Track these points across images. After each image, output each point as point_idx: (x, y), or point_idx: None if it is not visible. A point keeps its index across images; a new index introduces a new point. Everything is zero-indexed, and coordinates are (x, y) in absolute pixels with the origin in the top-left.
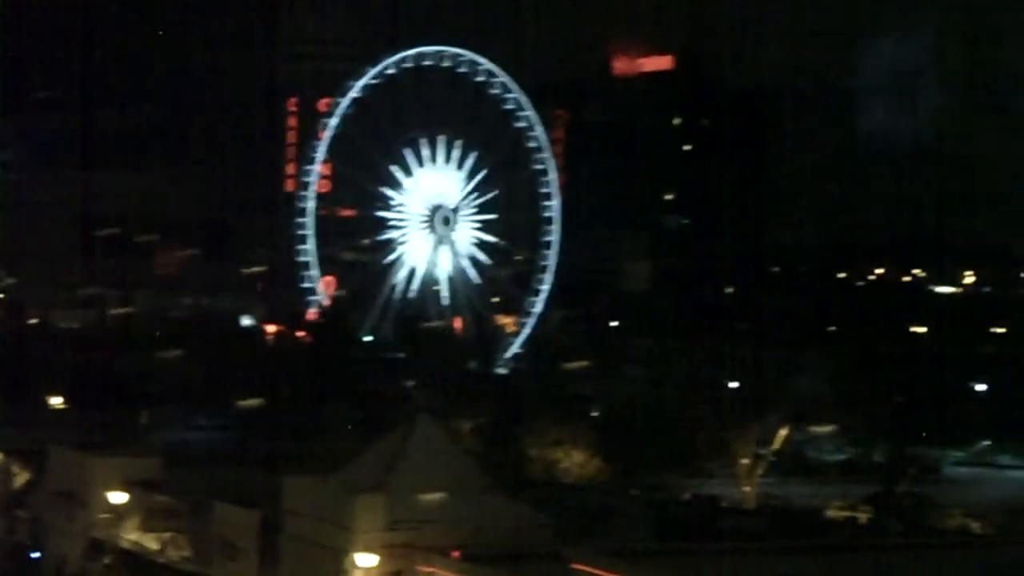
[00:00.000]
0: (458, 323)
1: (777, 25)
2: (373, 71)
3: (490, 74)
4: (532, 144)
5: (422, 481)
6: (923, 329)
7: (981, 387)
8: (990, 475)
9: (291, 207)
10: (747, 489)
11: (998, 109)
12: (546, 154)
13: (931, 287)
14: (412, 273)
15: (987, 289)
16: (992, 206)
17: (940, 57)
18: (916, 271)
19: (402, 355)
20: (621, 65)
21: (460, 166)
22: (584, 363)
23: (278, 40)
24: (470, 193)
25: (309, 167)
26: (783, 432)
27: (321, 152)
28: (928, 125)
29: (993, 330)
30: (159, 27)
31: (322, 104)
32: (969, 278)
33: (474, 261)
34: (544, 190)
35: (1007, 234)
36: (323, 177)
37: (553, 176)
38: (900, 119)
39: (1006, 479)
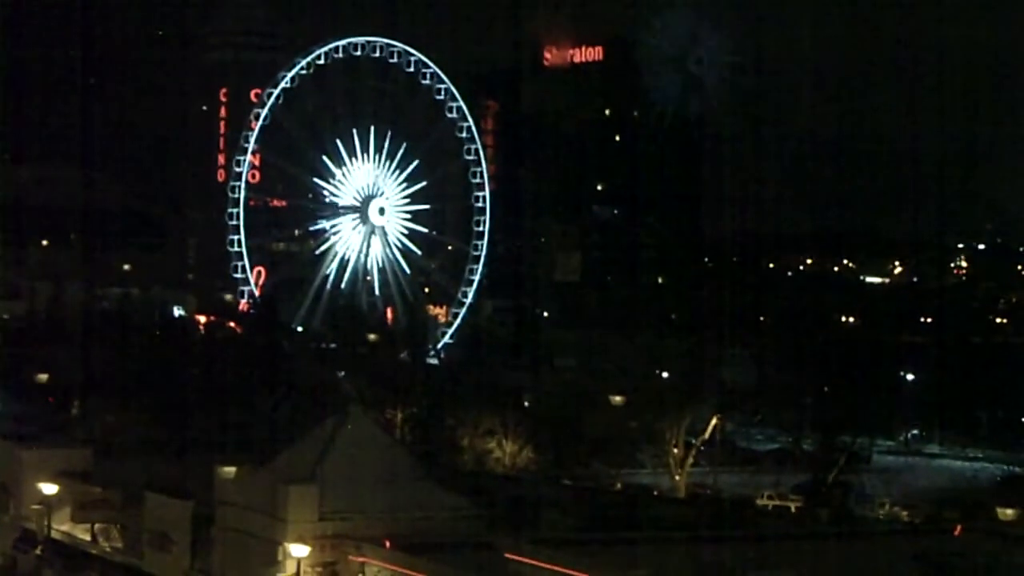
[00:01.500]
0: (390, 313)
1: (709, 14)
2: (303, 61)
3: (421, 64)
4: (463, 135)
5: (354, 471)
6: (852, 319)
7: (910, 376)
8: (919, 464)
9: (222, 197)
10: (678, 478)
11: (929, 105)
12: (477, 144)
13: (860, 277)
14: (343, 263)
15: (915, 279)
16: (920, 198)
17: (874, 53)
18: (845, 261)
19: (333, 345)
20: (552, 56)
21: (391, 156)
22: (515, 353)
23: (209, 30)
24: (401, 183)
25: (240, 157)
26: (714, 422)
27: (252, 142)
28: (860, 118)
29: (921, 320)
30: (89, 17)
31: (253, 94)
32: (898, 268)
33: (405, 251)
34: (475, 180)
35: (935, 225)
36: (254, 167)
37: (484, 167)
38: (831, 111)
39: (934, 468)
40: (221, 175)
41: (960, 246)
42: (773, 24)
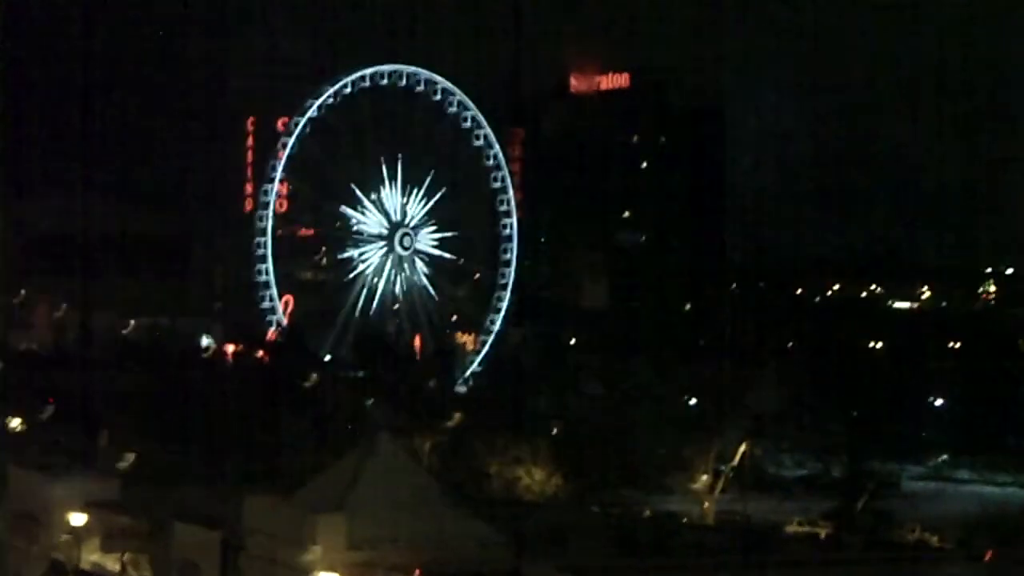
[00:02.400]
0: (417, 341)
1: (736, 44)
2: (330, 90)
3: (447, 92)
4: (490, 162)
5: (383, 500)
6: (880, 344)
7: (939, 402)
8: (948, 489)
9: (250, 227)
10: (707, 505)
11: (959, 130)
12: (504, 172)
13: (888, 303)
14: (371, 292)
15: (944, 304)
16: (948, 223)
17: (901, 74)
18: (873, 287)
19: (362, 374)
20: (578, 83)
21: (418, 184)
22: (543, 380)
23: (236, 60)
24: (428, 211)
25: (267, 187)
26: (742, 448)
27: (279, 171)
28: (885, 145)
29: (950, 345)
30: (119, 46)
31: (280, 123)
32: (926, 293)
33: (433, 279)
34: (502, 208)
35: (963, 249)
36: (281, 197)
37: (511, 194)
38: (859, 140)
39: (964, 493)
40: (249, 204)
41: (988, 270)
42: (800, 46)
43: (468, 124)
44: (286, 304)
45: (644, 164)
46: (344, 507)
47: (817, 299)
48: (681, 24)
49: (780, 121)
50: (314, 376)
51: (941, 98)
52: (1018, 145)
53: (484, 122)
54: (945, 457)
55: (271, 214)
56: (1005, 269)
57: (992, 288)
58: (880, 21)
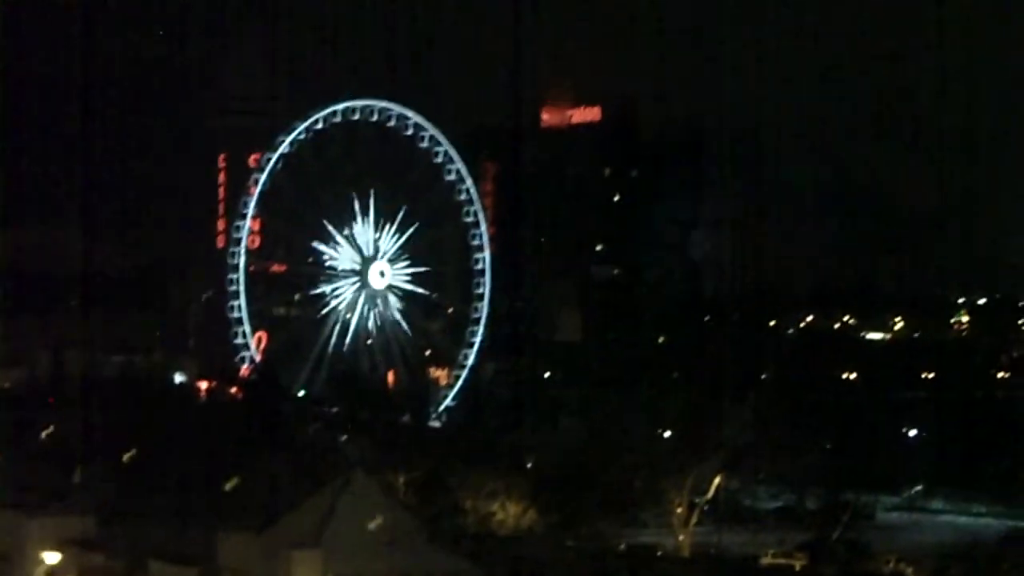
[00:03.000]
0: (391, 376)
1: (707, 75)
2: (302, 126)
3: (419, 127)
4: (462, 196)
5: (357, 535)
6: (854, 375)
7: (913, 433)
8: (923, 520)
9: (223, 263)
10: (682, 538)
11: (926, 158)
12: (476, 206)
13: (861, 334)
14: (344, 327)
15: (916, 335)
16: (920, 253)
17: (870, 105)
18: (846, 318)
19: (336, 409)
20: (550, 117)
21: (390, 219)
22: (517, 414)
23: (208, 97)
24: (401, 246)
25: (239, 223)
26: (717, 480)
27: (251, 207)
28: (858, 175)
29: (923, 376)
30: (90, 82)
31: (252, 159)
32: (898, 324)
33: (406, 314)
34: (475, 242)
35: (935, 280)
36: (253, 232)
37: (484, 228)
38: (831, 169)
39: (938, 524)
40: (221, 240)
41: (961, 300)
42: (769, 80)
43: (440, 159)
44: (259, 340)
45: (617, 197)
46: (320, 543)
47: (791, 331)
48: (653, 57)
49: (753, 151)
50: (288, 412)
51: (914, 128)
52: (990, 175)
53: (456, 156)
54: (919, 488)
55: (243, 250)
56: (977, 299)
57: (965, 318)
58: (851, 52)
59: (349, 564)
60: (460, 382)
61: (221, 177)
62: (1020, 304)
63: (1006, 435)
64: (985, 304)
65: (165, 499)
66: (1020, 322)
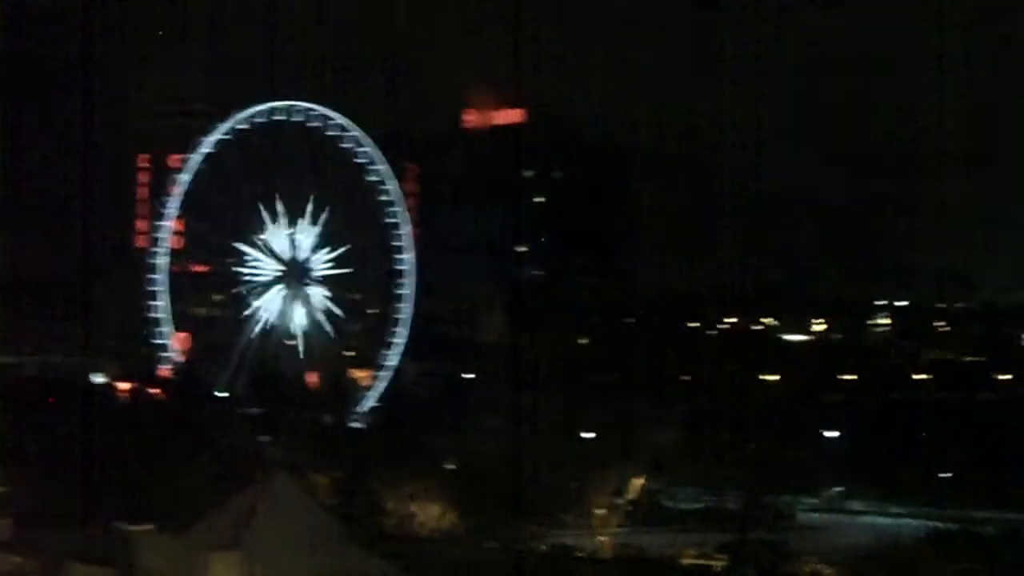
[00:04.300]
0: (313, 378)
1: (628, 78)
2: (225, 126)
3: (342, 128)
4: (385, 198)
5: (278, 536)
6: (776, 377)
7: (833, 434)
8: (842, 521)
9: (144, 264)
10: (602, 539)
11: (848, 165)
12: (399, 207)
13: (782, 336)
14: (266, 328)
15: (837, 337)
16: (841, 256)
17: (794, 111)
18: (768, 320)
19: (257, 410)
20: (473, 118)
21: (313, 221)
22: (439, 416)
23: (131, 98)
24: (324, 248)
25: (161, 223)
26: (638, 482)
27: (173, 208)
28: (779, 178)
29: (844, 377)
30: (11, 82)
31: (173, 160)
32: (819, 326)
33: (329, 315)
34: (397, 243)
35: (857, 283)
36: (176, 233)
37: (406, 229)
38: (751, 172)
39: (857, 525)
40: (143, 241)
41: (882, 303)
42: (691, 83)
43: (363, 160)
44: (181, 341)
45: (539, 199)
46: (239, 545)
47: (713, 333)
48: (576, 59)
49: (677, 153)
50: (209, 413)
51: (835, 133)
52: (911, 179)
53: (379, 158)
54: (839, 489)
55: (165, 251)
56: (898, 302)
57: (886, 321)
58: (780, 54)
59: (269, 565)
60: (382, 383)
61: (143, 178)
62: (938, 307)
63: (924, 437)
64: (904, 307)
65: (83, 500)
66: (938, 325)
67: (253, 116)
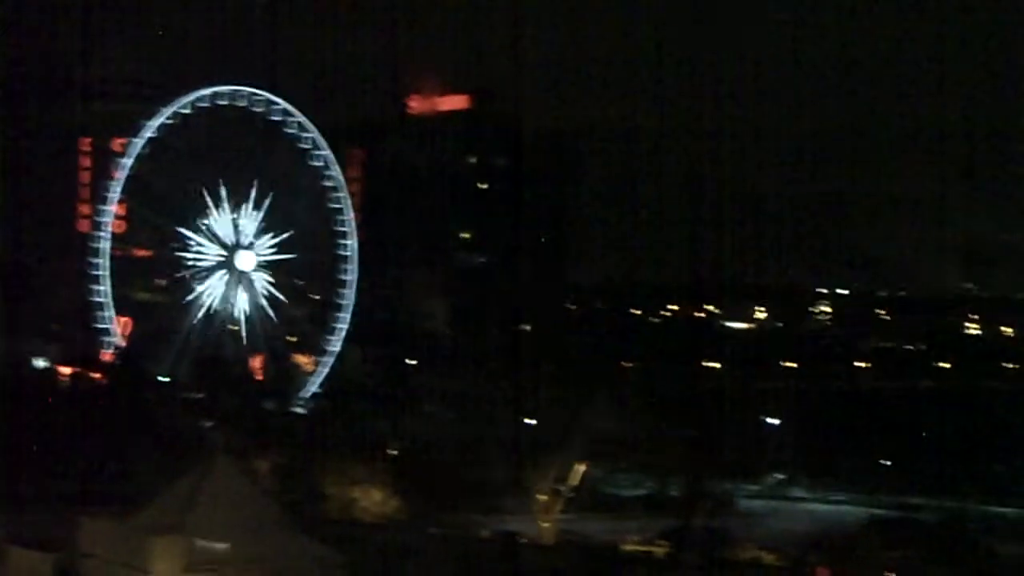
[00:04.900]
0: (256, 362)
1: (574, 66)
2: (168, 111)
3: (286, 113)
4: (329, 183)
5: (220, 521)
6: (717, 364)
7: (774, 421)
8: (783, 507)
9: (86, 248)
10: (545, 525)
11: (791, 155)
12: (343, 193)
13: (724, 323)
14: (210, 313)
15: (779, 325)
16: (783, 243)
17: (738, 102)
18: (709, 307)
19: (200, 395)
20: (418, 104)
21: (257, 206)
22: (382, 401)
23: (73, 81)
24: (267, 232)
25: (103, 207)
26: (581, 468)
27: (115, 192)
28: (723, 168)
29: (785, 365)
30: None
31: (116, 144)
32: (761, 314)
33: (272, 300)
34: (341, 229)
35: (799, 270)
36: (118, 217)
37: (350, 215)
38: (695, 163)
39: (798, 511)
40: (86, 225)
41: (824, 291)
42: (636, 74)
43: (308, 145)
44: (124, 325)
45: (484, 185)
46: (181, 529)
47: (655, 319)
48: (522, 46)
49: (620, 143)
50: (152, 398)
51: (778, 124)
52: (854, 167)
53: (324, 143)
54: (781, 476)
55: (108, 235)
56: (840, 289)
57: (827, 309)
58: (723, 45)
59: (210, 550)
60: (324, 369)
61: (86, 162)
62: (880, 295)
63: (865, 424)
64: (846, 295)
65: (24, 484)
66: (879, 313)
67: (196, 100)
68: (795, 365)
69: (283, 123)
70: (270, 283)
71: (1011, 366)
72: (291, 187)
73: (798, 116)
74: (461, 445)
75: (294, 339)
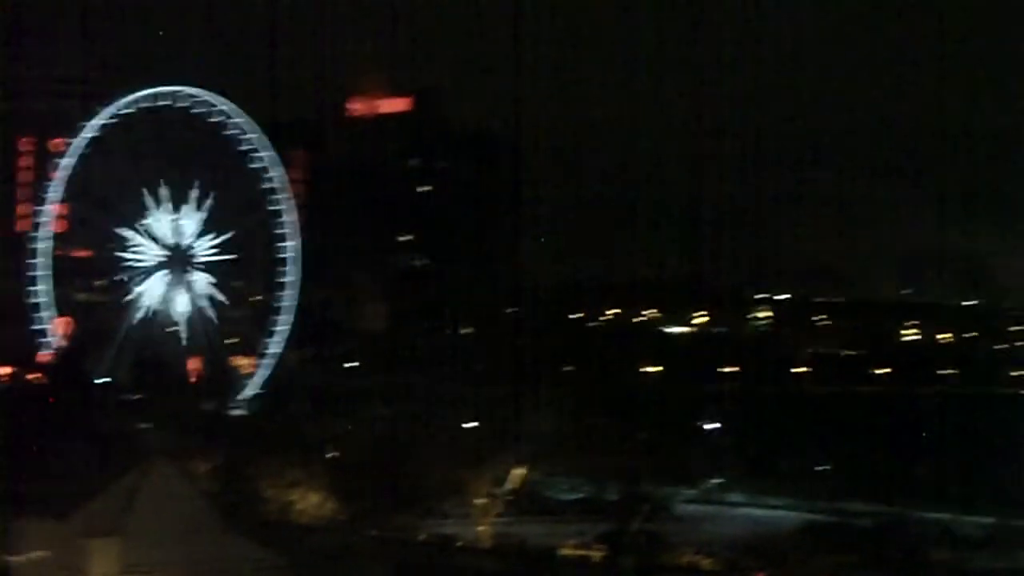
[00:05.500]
0: (195, 364)
1: (515, 69)
2: (109, 110)
3: (227, 115)
4: (270, 185)
5: (158, 524)
6: (657, 369)
7: (713, 426)
8: (721, 512)
9: (25, 248)
10: (482, 528)
11: (731, 160)
12: (284, 195)
13: (664, 327)
14: (150, 314)
15: (717, 330)
16: (722, 249)
17: (678, 107)
18: (650, 311)
19: (139, 397)
20: (360, 107)
21: (198, 207)
22: (322, 403)
23: (10, 78)
24: (208, 234)
25: (42, 207)
26: (519, 471)
27: (55, 192)
28: (664, 173)
29: (724, 370)
30: None
31: (56, 144)
32: (701, 318)
33: (212, 302)
34: (282, 231)
35: (739, 275)
36: (58, 217)
37: (291, 217)
38: (636, 167)
39: (736, 516)
40: (24, 225)
41: (764, 296)
42: (581, 78)
43: (249, 146)
44: (63, 326)
45: (425, 188)
46: (118, 531)
47: (595, 324)
48: (463, 49)
49: (564, 146)
50: (90, 399)
51: (718, 129)
52: (794, 174)
53: (265, 144)
54: (718, 480)
55: (47, 235)
56: (779, 295)
57: (767, 314)
58: (670, 45)
59: (148, 552)
60: (264, 371)
61: (25, 161)
62: (818, 301)
63: (803, 429)
64: (785, 300)
65: None
66: (817, 319)
67: (138, 100)
68: (734, 370)
69: (225, 124)
70: (211, 284)
71: (948, 372)
72: (233, 188)
73: (741, 121)
74: (400, 448)
75: (234, 340)
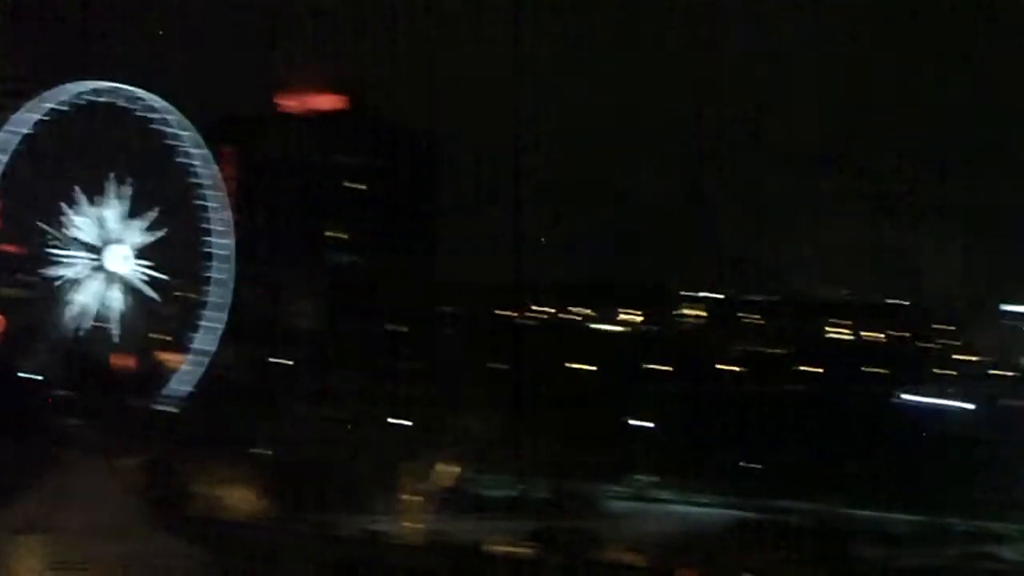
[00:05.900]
0: (126, 361)
1: (452, 66)
2: (41, 106)
3: (163, 110)
4: (204, 181)
5: (86, 521)
6: (587, 366)
7: (643, 423)
8: (652, 510)
9: None
10: (411, 525)
11: (662, 158)
12: (219, 192)
13: (594, 325)
14: (80, 310)
15: (647, 328)
16: (653, 246)
17: (613, 106)
18: (578, 309)
19: (67, 394)
20: (297, 103)
21: (132, 203)
22: (253, 400)
23: None
24: (140, 230)
25: None
26: (448, 469)
27: None
28: (595, 171)
29: (655, 368)
30: None
31: None
32: (629, 316)
33: (144, 299)
34: (215, 227)
35: (667, 273)
36: None
37: (225, 214)
38: (569, 165)
39: (666, 514)
40: None
41: (691, 294)
42: (517, 75)
43: (183, 143)
44: None
45: (360, 185)
46: (45, 529)
47: (523, 321)
48: (399, 45)
49: (499, 144)
50: (18, 395)
51: (650, 126)
52: (724, 172)
53: (200, 142)
54: (648, 478)
55: None
56: (708, 293)
57: (696, 312)
58: (593, 41)
59: (75, 549)
60: (196, 368)
61: None
62: (748, 299)
63: (733, 427)
64: (714, 299)
65: None
66: (747, 317)
67: (70, 96)
68: (663, 368)
69: (159, 120)
70: (142, 281)
71: (879, 371)
72: (166, 185)
73: (672, 119)
74: (331, 445)
75: (166, 338)
